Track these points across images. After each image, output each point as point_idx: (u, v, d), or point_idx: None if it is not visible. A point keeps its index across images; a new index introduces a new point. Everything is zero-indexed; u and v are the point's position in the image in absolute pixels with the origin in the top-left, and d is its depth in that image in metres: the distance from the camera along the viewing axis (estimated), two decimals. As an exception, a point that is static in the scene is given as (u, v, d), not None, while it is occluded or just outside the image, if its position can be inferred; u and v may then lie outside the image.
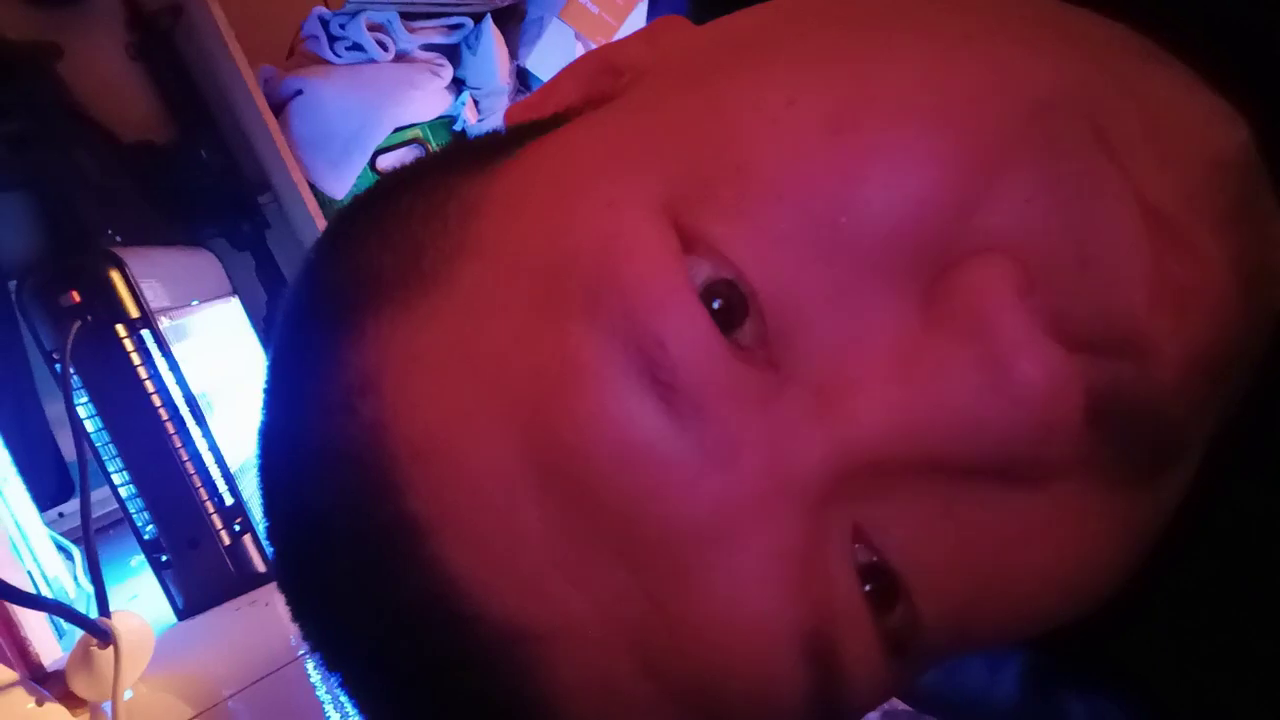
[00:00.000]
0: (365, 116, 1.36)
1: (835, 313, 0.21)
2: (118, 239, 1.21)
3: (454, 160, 0.26)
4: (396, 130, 1.37)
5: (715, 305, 0.20)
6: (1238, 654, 0.27)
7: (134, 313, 0.80)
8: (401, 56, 1.39)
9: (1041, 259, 0.21)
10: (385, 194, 0.27)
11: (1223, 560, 0.27)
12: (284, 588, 0.26)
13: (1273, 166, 0.24)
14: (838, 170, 0.21)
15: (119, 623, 0.67)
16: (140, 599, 0.92)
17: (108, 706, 0.67)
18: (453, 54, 1.46)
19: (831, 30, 0.24)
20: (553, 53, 1.43)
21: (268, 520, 0.27)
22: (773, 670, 0.21)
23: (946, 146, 0.21)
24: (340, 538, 0.23)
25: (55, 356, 0.77)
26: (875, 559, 0.22)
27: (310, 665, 0.70)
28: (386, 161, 1.39)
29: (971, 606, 0.22)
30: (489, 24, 1.41)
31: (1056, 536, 0.22)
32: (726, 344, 0.20)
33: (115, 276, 0.80)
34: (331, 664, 0.26)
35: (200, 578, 0.83)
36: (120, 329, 0.79)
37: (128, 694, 0.72)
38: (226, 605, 0.82)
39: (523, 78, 1.45)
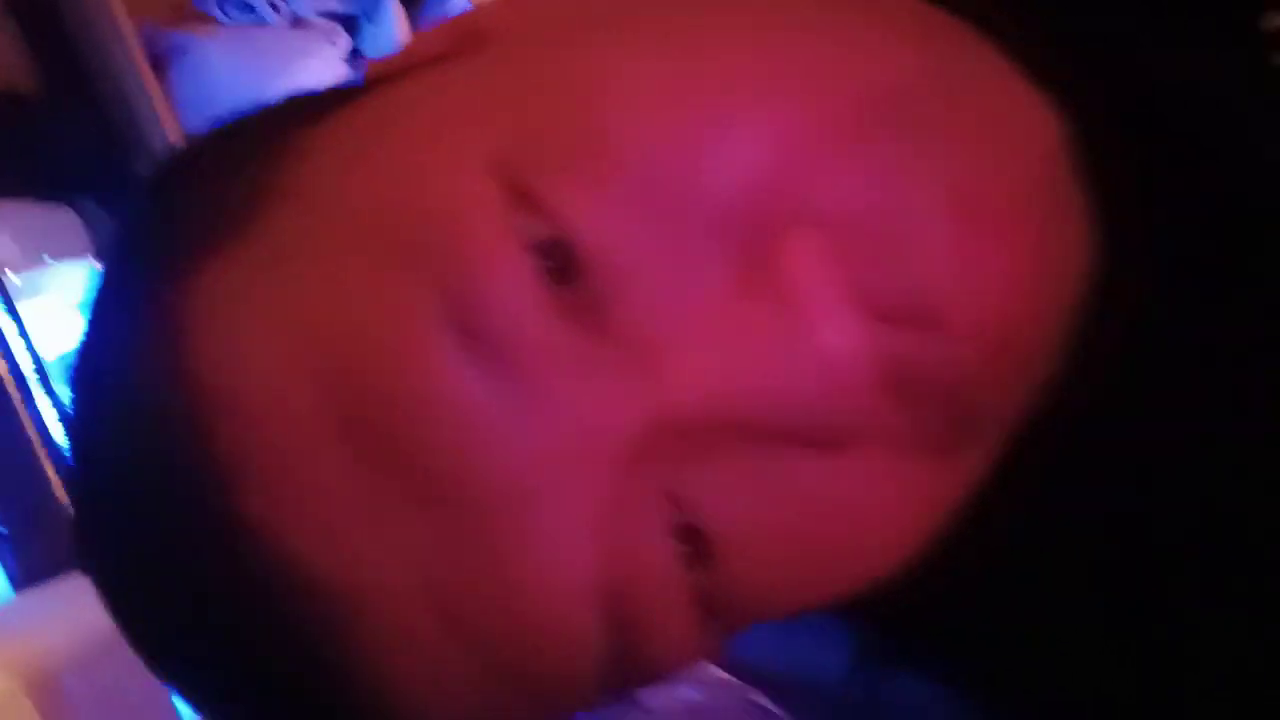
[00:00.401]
0: (255, 82, 1.31)
1: (660, 278, 0.21)
2: (-27, 190, 1.14)
3: (296, 108, 0.26)
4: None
5: (547, 262, 0.20)
6: (1043, 635, 0.28)
7: (-23, 264, 0.76)
8: (297, 21, 1.35)
9: (854, 235, 0.21)
10: (221, 138, 0.26)
11: (1025, 546, 0.28)
12: (82, 512, 0.25)
13: (1088, 165, 0.25)
14: (671, 141, 0.21)
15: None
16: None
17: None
18: (351, 24, 1.43)
19: (681, 9, 0.25)
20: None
21: (73, 478, 0.25)
22: (572, 627, 0.21)
23: (774, 127, 0.21)
24: (138, 482, 0.22)
25: (-115, 307, 0.72)
26: (688, 521, 0.22)
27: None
28: (274, 129, 1.35)
29: (780, 569, 0.22)
30: (390, -5, 1.38)
31: (857, 502, 0.22)
32: (552, 302, 0.20)
33: (-43, 225, 0.75)
34: (138, 641, 0.24)
35: (40, 547, 0.79)
36: (-40, 281, 0.75)
37: (-53, 668, 0.67)
38: (69, 577, 0.78)
39: (423, 53, 1.43)
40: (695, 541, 0.22)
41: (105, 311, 0.25)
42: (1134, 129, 0.26)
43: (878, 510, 0.23)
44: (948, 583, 0.26)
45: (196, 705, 0.26)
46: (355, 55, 1.40)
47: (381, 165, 0.22)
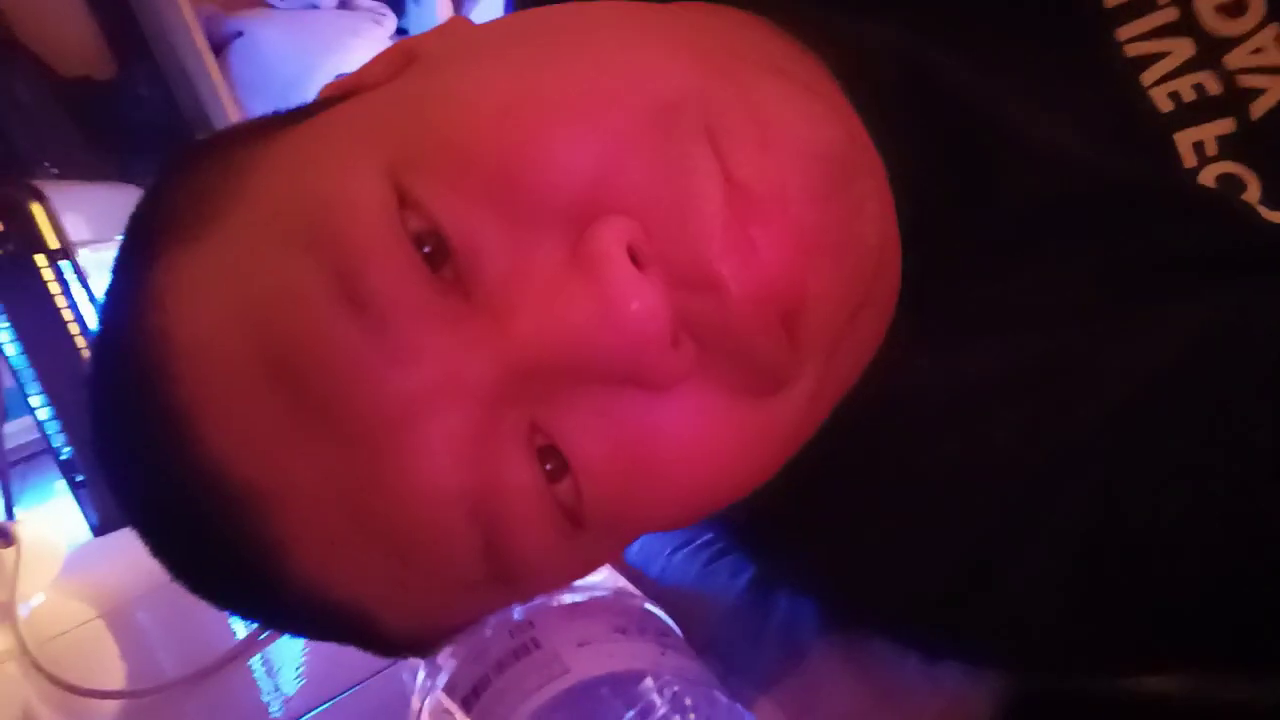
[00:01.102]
0: (305, 62, 1.38)
1: (508, 256, 0.27)
2: (54, 171, 1.23)
3: (260, 125, 0.32)
4: (337, 76, 1.40)
5: (426, 250, 0.26)
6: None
7: (54, 244, 0.84)
8: (345, 3, 1.42)
9: (653, 219, 0.27)
10: (201, 150, 0.32)
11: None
12: (95, 448, 0.32)
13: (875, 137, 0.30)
14: (510, 148, 0.27)
15: (21, 526, 0.72)
16: (61, 519, 0.96)
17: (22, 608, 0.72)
18: (398, 5, 1.49)
19: (523, 40, 0.31)
20: (497, 8, 1.46)
21: (90, 391, 0.32)
22: (444, 525, 0.27)
23: (588, 134, 0.27)
24: (127, 411, 0.29)
25: (-25, 283, 0.81)
26: (548, 442, 0.28)
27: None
28: (325, 108, 1.42)
29: (623, 484, 0.28)
30: (433, -24, 1.44)
31: (686, 429, 0.28)
32: (429, 276, 0.26)
33: (36, 209, 0.83)
34: (119, 496, 0.31)
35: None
36: (40, 259, 0.83)
37: (39, 597, 0.77)
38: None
39: (464, 31, 1.48)
40: (555, 459, 0.28)
41: (112, 283, 0.32)
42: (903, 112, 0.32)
43: (707, 437, 0.28)
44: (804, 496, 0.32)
45: (163, 565, 0.32)
46: (401, 34, 1.46)
47: (302, 170, 0.29)
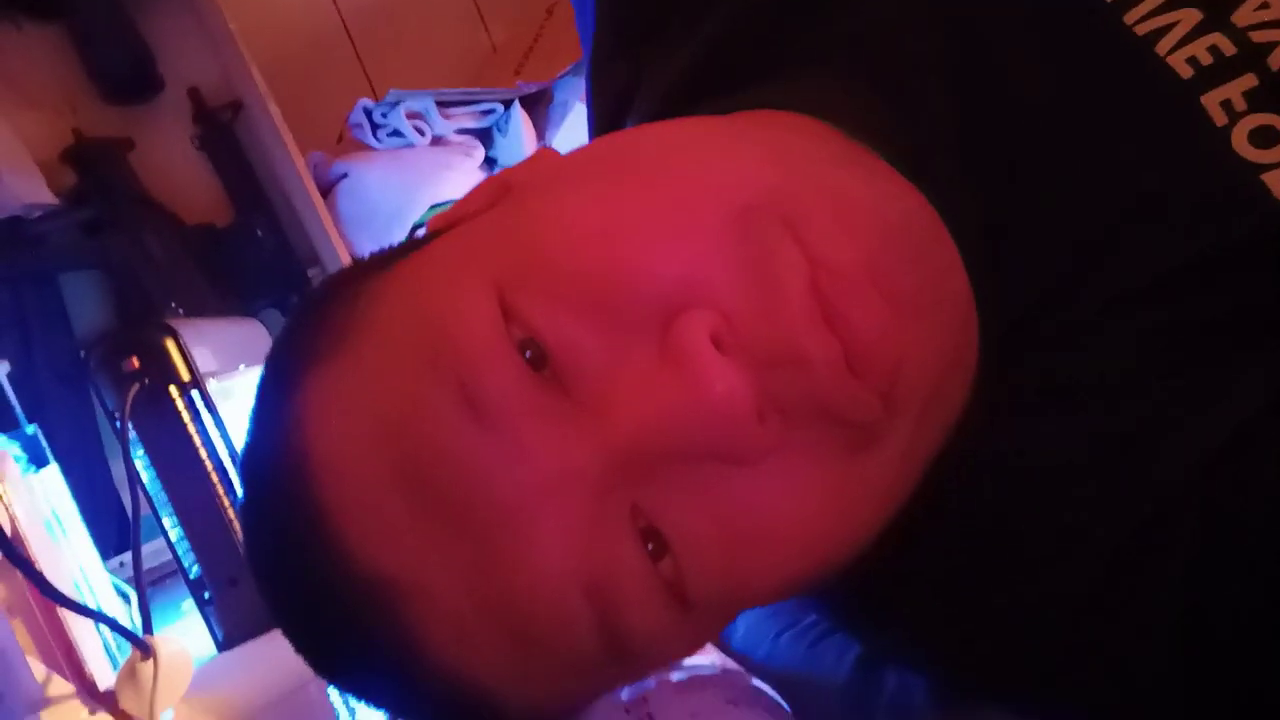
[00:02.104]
0: (404, 195, 1.48)
1: (603, 356, 0.29)
2: (180, 311, 1.34)
3: (380, 259, 0.36)
4: (433, 206, 1.50)
5: (528, 355, 0.29)
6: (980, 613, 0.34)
7: (185, 376, 0.91)
8: (438, 140, 1.52)
9: (738, 311, 0.29)
10: (332, 284, 0.36)
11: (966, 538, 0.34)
12: (246, 543, 0.35)
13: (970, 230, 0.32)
14: (600, 265, 0.30)
15: (160, 641, 0.76)
16: (187, 636, 1.01)
17: (152, 725, 0.75)
18: (485, 136, 1.59)
19: (607, 163, 0.34)
20: (576, 133, 1.55)
21: (241, 505, 0.35)
22: (563, 606, 0.29)
23: (672, 246, 0.30)
24: (279, 514, 0.32)
25: (116, 415, 0.88)
26: (649, 524, 0.29)
27: (327, 686, 0.78)
28: (423, 236, 1.51)
29: (724, 558, 0.30)
30: (518, 109, 1.53)
31: (779, 499, 0.29)
32: (534, 380, 0.29)
33: (169, 344, 0.91)
34: (268, 598, 0.34)
35: (238, 613, 0.92)
36: (173, 390, 0.90)
37: (169, 713, 0.81)
38: (260, 639, 0.91)
39: (548, 156, 1.56)
40: (656, 539, 0.29)
41: (257, 407, 0.35)
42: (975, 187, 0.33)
43: (793, 505, 0.30)
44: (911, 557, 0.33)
45: (306, 658, 0.34)
46: (490, 163, 1.56)
47: (419, 294, 0.32)
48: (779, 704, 0.33)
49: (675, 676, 0.32)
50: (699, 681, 0.32)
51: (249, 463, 0.35)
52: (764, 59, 0.40)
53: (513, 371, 0.29)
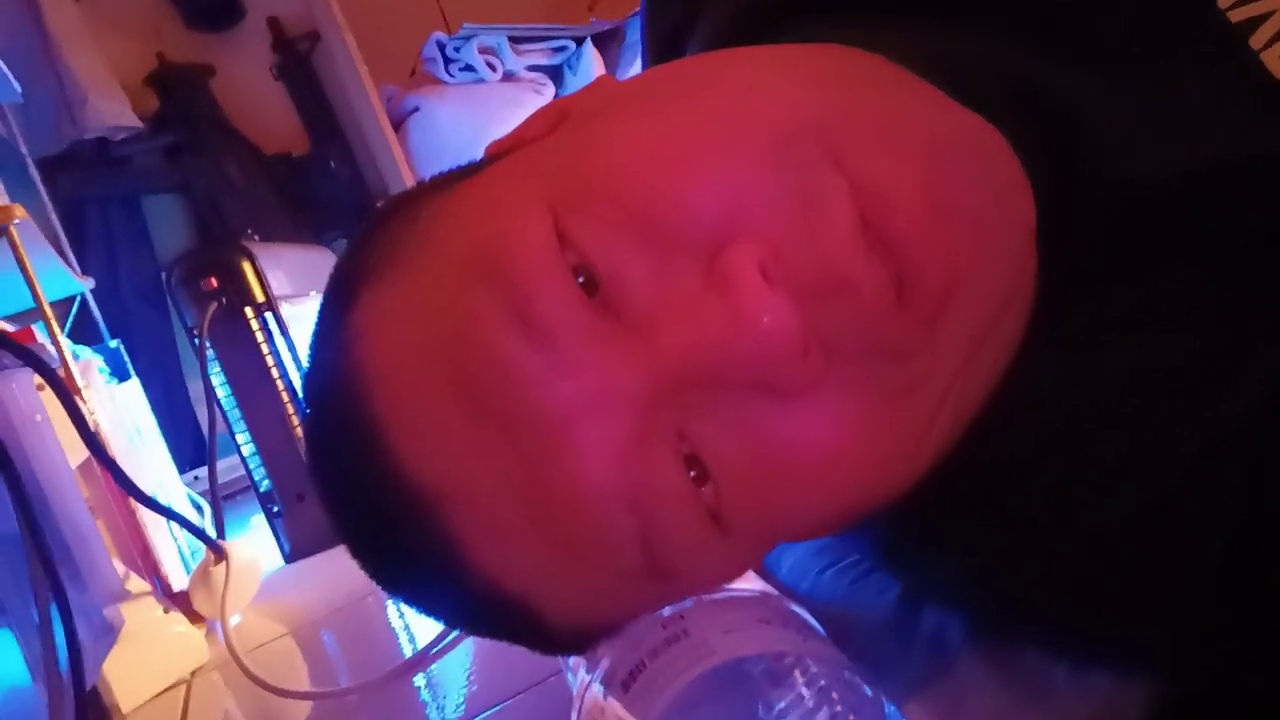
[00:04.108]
0: (475, 131, 1.49)
1: (653, 282, 0.29)
2: (256, 237, 1.38)
3: (439, 181, 0.37)
4: (502, 143, 1.51)
5: (580, 280, 0.30)
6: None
7: (260, 298, 0.94)
8: (509, 77, 1.52)
9: (783, 240, 0.29)
10: (394, 204, 0.37)
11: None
12: (308, 457, 0.37)
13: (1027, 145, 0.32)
14: (649, 189, 0.30)
15: (233, 547, 0.80)
16: (256, 547, 1.06)
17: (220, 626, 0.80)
18: (556, 74, 1.59)
19: (658, 91, 0.34)
20: (648, 73, 1.53)
21: (303, 420, 0.37)
22: (607, 518, 0.30)
23: (718, 171, 0.30)
24: (336, 428, 0.34)
25: (195, 333, 0.92)
26: (691, 450, 0.30)
27: (386, 599, 0.81)
28: (491, 172, 1.52)
29: (766, 489, 0.30)
30: (590, 47, 1.53)
31: (819, 433, 0.30)
32: (586, 303, 0.29)
33: (246, 267, 0.94)
34: (329, 508, 0.36)
35: (305, 527, 0.96)
36: (248, 311, 0.93)
37: (237, 617, 0.85)
38: (324, 553, 0.95)
39: (619, 96, 1.56)
40: (698, 466, 0.30)
41: (318, 325, 0.37)
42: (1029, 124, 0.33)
43: (833, 440, 0.30)
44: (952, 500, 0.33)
45: (363, 566, 0.36)
46: (561, 101, 1.56)
47: (475, 216, 0.33)
48: (813, 627, 0.34)
49: (719, 596, 0.33)
50: (737, 601, 0.33)
51: (310, 378, 0.36)
52: (819, 1, 0.40)
53: (565, 294, 0.30)
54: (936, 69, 0.35)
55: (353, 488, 0.33)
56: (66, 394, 0.63)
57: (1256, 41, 0.33)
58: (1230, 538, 0.30)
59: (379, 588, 0.36)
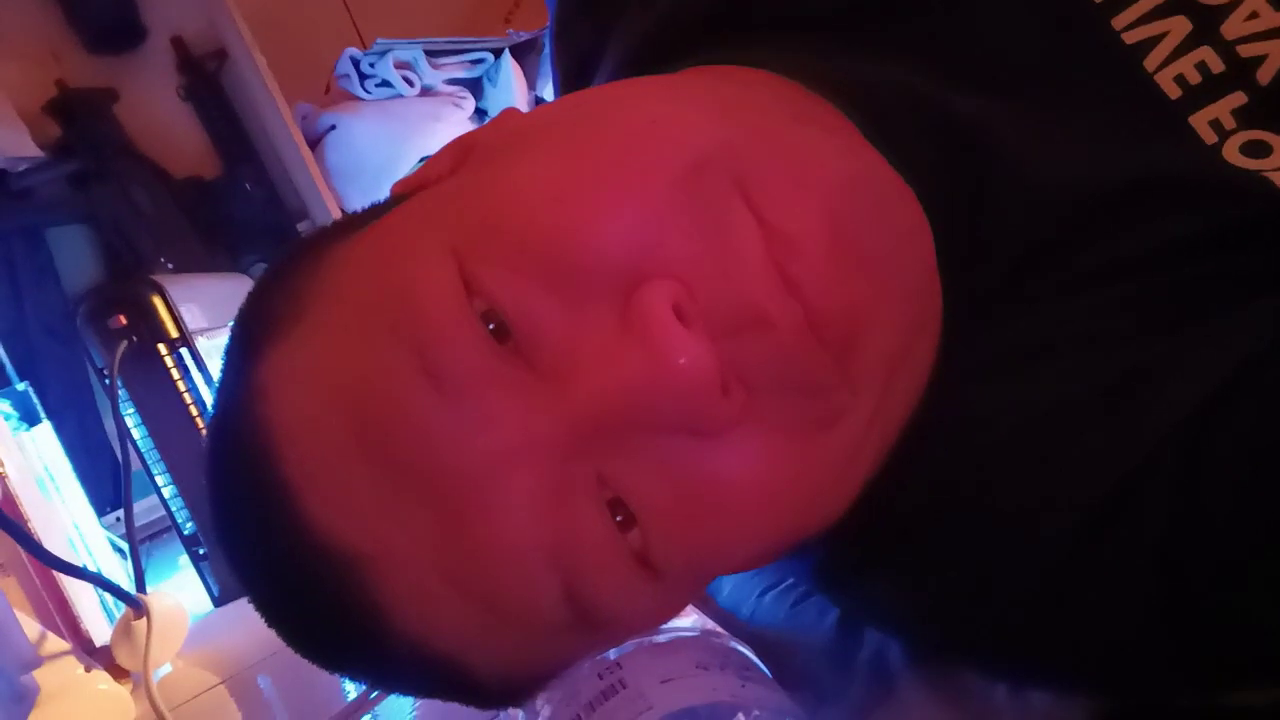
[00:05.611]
0: (393, 147, 1.46)
1: (565, 327, 0.29)
2: (169, 266, 1.33)
3: (343, 224, 0.35)
4: (422, 158, 1.48)
5: (491, 327, 0.28)
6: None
7: (173, 333, 0.91)
8: (427, 91, 1.49)
9: (695, 275, 0.28)
10: (293, 254, 0.35)
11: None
12: (213, 520, 0.35)
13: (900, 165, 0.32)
14: (558, 228, 0.29)
15: (153, 599, 0.76)
16: (184, 591, 1.02)
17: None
18: (475, 86, 1.56)
19: (562, 126, 0.33)
20: (568, 82, 1.52)
21: (209, 482, 0.35)
22: (528, 575, 0.29)
23: (626, 209, 0.29)
24: (240, 491, 0.32)
25: (105, 373, 0.88)
26: (614, 494, 0.29)
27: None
28: (413, 189, 1.49)
29: (693, 529, 0.29)
30: (508, 58, 1.51)
31: (743, 470, 0.29)
32: (496, 351, 0.28)
33: (157, 301, 0.90)
34: (238, 573, 0.34)
35: (233, 568, 0.93)
36: (161, 348, 0.90)
37: (166, 667, 0.82)
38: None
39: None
40: (622, 510, 0.29)
41: (222, 376, 0.35)
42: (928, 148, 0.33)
43: (757, 477, 0.29)
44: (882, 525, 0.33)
45: (280, 635, 0.35)
46: (480, 114, 1.54)
47: (378, 264, 0.31)
48: (754, 663, 0.34)
49: (654, 640, 0.32)
50: (674, 645, 0.32)
51: (213, 435, 0.34)
52: (730, 21, 0.39)
53: (474, 343, 0.28)
54: (845, 92, 0.34)
55: (264, 553, 0.32)
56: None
57: (1151, 63, 0.33)
58: (1159, 563, 0.30)
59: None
